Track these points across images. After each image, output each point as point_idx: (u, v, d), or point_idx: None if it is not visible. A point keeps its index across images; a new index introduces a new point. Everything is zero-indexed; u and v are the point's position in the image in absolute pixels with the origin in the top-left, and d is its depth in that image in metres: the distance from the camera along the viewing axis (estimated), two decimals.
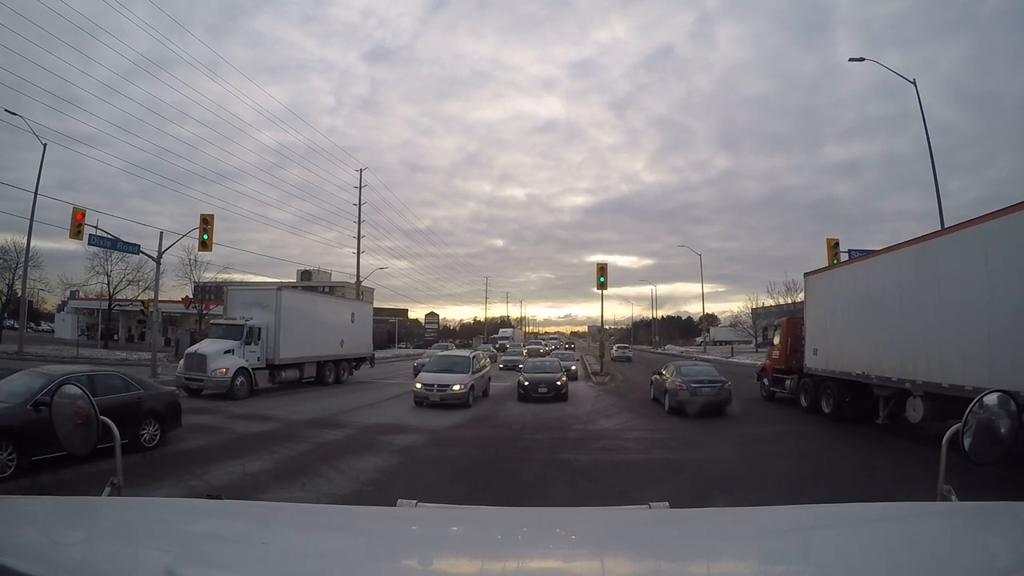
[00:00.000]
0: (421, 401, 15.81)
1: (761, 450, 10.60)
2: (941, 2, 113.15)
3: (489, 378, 19.78)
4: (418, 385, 16.36)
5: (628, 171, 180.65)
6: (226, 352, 17.76)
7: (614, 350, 47.23)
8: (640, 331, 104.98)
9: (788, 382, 16.55)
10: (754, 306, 61.69)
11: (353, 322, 24.41)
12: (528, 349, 48.75)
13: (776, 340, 17.99)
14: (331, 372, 22.78)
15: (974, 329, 9.20)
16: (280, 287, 22.11)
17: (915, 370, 10.67)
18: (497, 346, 54.63)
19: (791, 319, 18.23)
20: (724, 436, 12.08)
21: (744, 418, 14.50)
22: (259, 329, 18.93)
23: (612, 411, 16.20)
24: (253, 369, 18.36)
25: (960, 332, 9.55)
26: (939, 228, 13.40)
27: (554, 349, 50.90)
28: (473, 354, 19.88)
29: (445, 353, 23.99)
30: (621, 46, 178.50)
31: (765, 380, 18.38)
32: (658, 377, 16.95)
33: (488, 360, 22.34)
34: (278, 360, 19.45)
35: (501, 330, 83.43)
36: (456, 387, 15.99)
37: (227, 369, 17.31)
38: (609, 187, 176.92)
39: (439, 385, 15.97)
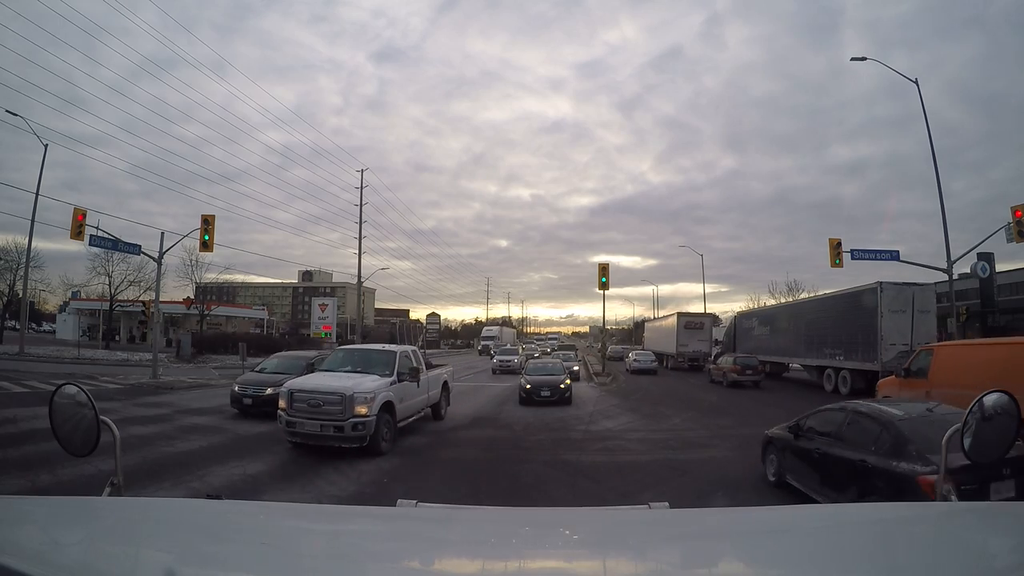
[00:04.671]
0: (496, 370, 30.36)
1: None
2: (949, 3, 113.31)
3: (526, 356, 33.73)
4: (495, 360, 32.64)
5: (634, 171, 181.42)
6: None
7: (631, 356, 35.42)
8: (641, 331, 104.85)
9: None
10: (756, 306, 61.71)
11: None
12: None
13: (643, 337, 51.10)
14: None
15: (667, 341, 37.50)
16: None
17: (660, 348, 37.91)
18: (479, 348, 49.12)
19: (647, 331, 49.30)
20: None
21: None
22: None
23: (614, 411, 16.34)
24: None
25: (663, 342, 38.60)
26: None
27: (551, 352, 43.91)
28: (521, 346, 40.97)
29: (507, 347, 39.68)
30: (630, 46, 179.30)
31: None
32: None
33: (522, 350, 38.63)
34: None
35: (485, 329, 64.42)
36: (515, 359, 32.32)
37: None
38: (615, 187, 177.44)
39: (505, 359, 31.98)
